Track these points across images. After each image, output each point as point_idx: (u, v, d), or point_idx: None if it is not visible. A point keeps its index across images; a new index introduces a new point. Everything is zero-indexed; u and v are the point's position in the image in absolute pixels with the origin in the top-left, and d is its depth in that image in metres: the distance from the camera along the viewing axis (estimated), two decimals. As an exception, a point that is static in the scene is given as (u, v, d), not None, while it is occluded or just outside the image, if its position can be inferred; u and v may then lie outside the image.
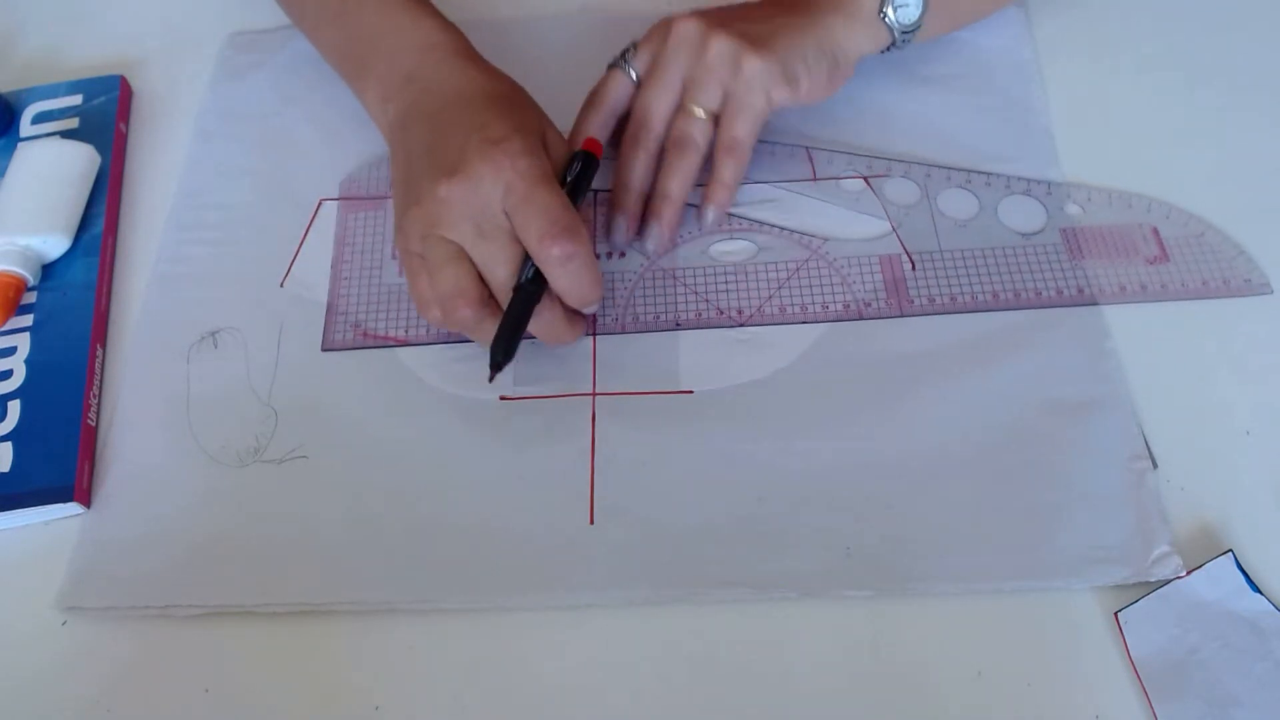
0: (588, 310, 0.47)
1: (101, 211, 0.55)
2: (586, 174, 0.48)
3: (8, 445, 0.47)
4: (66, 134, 0.58)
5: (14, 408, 0.48)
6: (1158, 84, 0.56)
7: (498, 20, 0.61)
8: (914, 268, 0.50)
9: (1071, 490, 0.44)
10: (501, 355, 0.44)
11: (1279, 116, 0.54)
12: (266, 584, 0.44)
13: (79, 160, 0.56)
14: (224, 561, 0.44)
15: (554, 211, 0.43)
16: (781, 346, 0.48)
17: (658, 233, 0.51)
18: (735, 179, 0.50)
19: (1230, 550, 0.42)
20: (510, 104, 0.47)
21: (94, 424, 0.49)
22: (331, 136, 0.57)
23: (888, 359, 0.48)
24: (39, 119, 0.59)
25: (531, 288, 0.44)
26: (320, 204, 0.55)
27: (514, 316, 0.44)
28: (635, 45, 0.52)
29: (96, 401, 0.49)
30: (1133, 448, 0.44)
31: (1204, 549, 0.42)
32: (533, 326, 0.45)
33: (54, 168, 0.55)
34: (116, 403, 0.49)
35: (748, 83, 0.48)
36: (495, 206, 0.43)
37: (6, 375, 0.49)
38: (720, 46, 0.48)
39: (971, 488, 0.44)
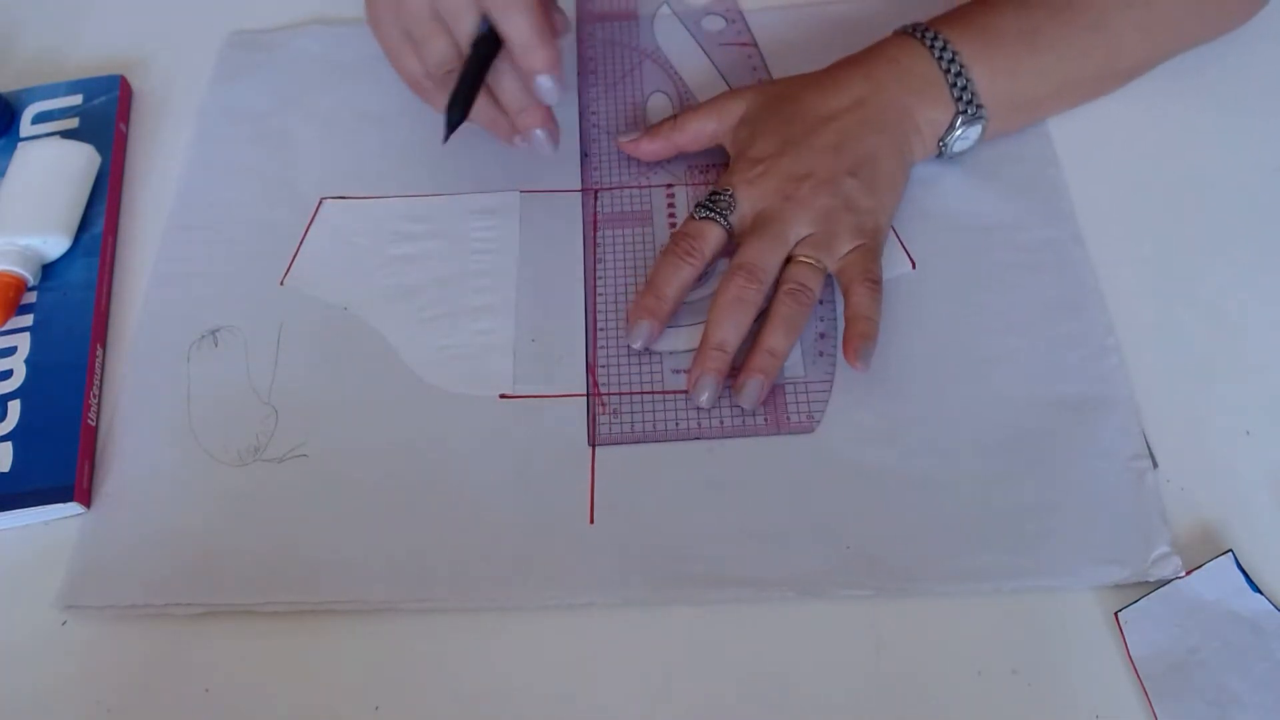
0: (543, 82, 0.48)
1: (101, 211, 0.55)
2: None
3: (8, 445, 0.47)
4: (66, 134, 0.58)
5: (14, 408, 0.48)
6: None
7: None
8: (914, 267, 0.50)
9: (1072, 490, 0.44)
10: (458, 114, 0.48)
11: None
12: (266, 583, 0.44)
13: (79, 160, 0.56)
14: (224, 561, 0.44)
15: None
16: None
17: (758, 390, 0.46)
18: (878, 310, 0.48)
19: (1230, 550, 0.42)
20: None
21: (94, 424, 0.49)
22: (331, 136, 0.57)
23: (887, 358, 0.48)
24: (39, 119, 0.59)
25: (485, 44, 0.48)
26: (320, 203, 0.55)
27: (468, 71, 0.48)
28: (729, 194, 0.49)
29: (96, 401, 0.49)
30: (1133, 447, 0.44)
31: (1204, 549, 0.42)
32: (494, 87, 0.50)
33: (54, 168, 0.55)
34: (116, 403, 0.49)
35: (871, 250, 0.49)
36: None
37: (6, 375, 0.49)
38: (839, 218, 0.48)
39: (971, 487, 0.44)
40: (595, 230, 0.53)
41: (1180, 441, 0.45)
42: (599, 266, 0.52)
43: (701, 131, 0.53)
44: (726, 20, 0.61)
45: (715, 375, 0.46)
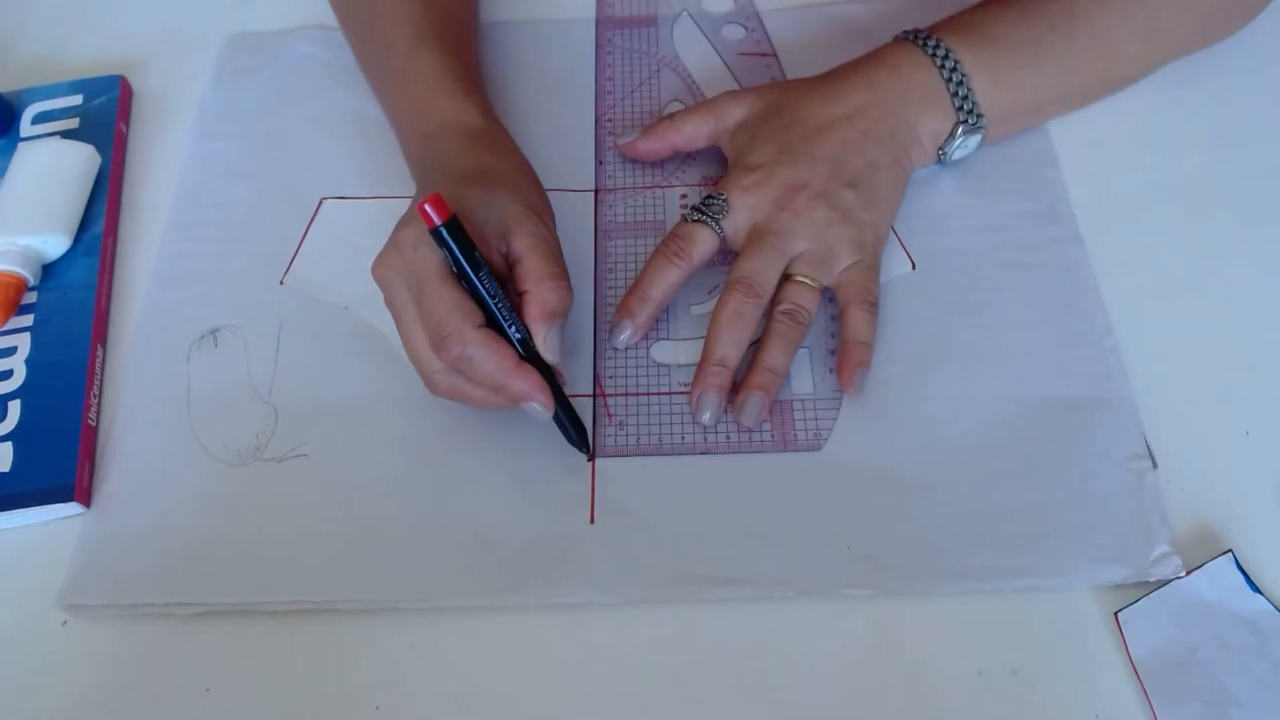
0: (529, 408, 0.43)
1: (101, 211, 0.55)
2: (464, 250, 0.41)
3: (8, 445, 0.47)
4: (66, 134, 0.58)
5: (14, 408, 0.48)
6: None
7: (499, 24, 0.61)
8: (914, 267, 0.50)
9: (1072, 490, 0.44)
10: (584, 443, 0.46)
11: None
12: (266, 583, 0.44)
13: (79, 160, 0.56)
14: (224, 560, 0.44)
15: (435, 317, 0.41)
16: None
17: (759, 407, 0.46)
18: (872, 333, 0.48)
19: (1230, 550, 0.42)
20: (479, 183, 0.45)
21: (94, 424, 0.49)
22: (331, 136, 0.57)
23: (886, 358, 0.48)
24: (39, 119, 0.59)
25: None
26: (321, 203, 0.55)
27: (561, 411, 0.45)
28: (723, 199, 0.49)
29: (96, 401, 0.49)
30: (1133, 448, 0.44)
31: (1204, 549, 0.42)
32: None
33: (54, 168, 0.55)
34: (116, 402, 0.49)
35: (867, 271, 0.48)
36: (406, 297, 0.43)
37: (6, 375, 0.49)
38: (837, 231, 0.48)
39: (971, 487, 0.44)
40: (603, 236, 0.53)
41: (1180, 441, 0.45)
42: (609, 275, 0.52)
43: (698, 132, 0.53)
44: (746, 29, 0.61)
45: (718, 391, 0.46)
